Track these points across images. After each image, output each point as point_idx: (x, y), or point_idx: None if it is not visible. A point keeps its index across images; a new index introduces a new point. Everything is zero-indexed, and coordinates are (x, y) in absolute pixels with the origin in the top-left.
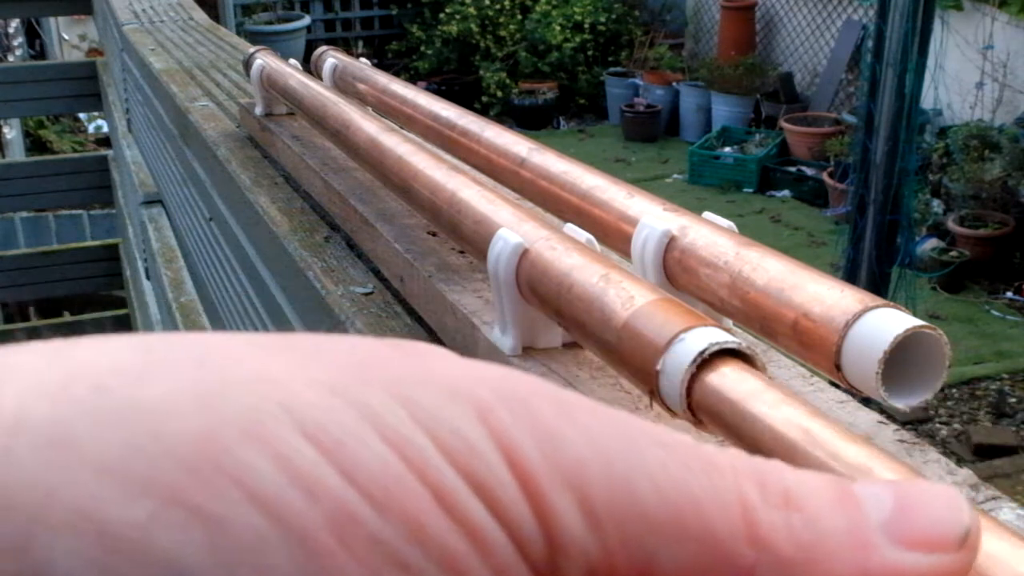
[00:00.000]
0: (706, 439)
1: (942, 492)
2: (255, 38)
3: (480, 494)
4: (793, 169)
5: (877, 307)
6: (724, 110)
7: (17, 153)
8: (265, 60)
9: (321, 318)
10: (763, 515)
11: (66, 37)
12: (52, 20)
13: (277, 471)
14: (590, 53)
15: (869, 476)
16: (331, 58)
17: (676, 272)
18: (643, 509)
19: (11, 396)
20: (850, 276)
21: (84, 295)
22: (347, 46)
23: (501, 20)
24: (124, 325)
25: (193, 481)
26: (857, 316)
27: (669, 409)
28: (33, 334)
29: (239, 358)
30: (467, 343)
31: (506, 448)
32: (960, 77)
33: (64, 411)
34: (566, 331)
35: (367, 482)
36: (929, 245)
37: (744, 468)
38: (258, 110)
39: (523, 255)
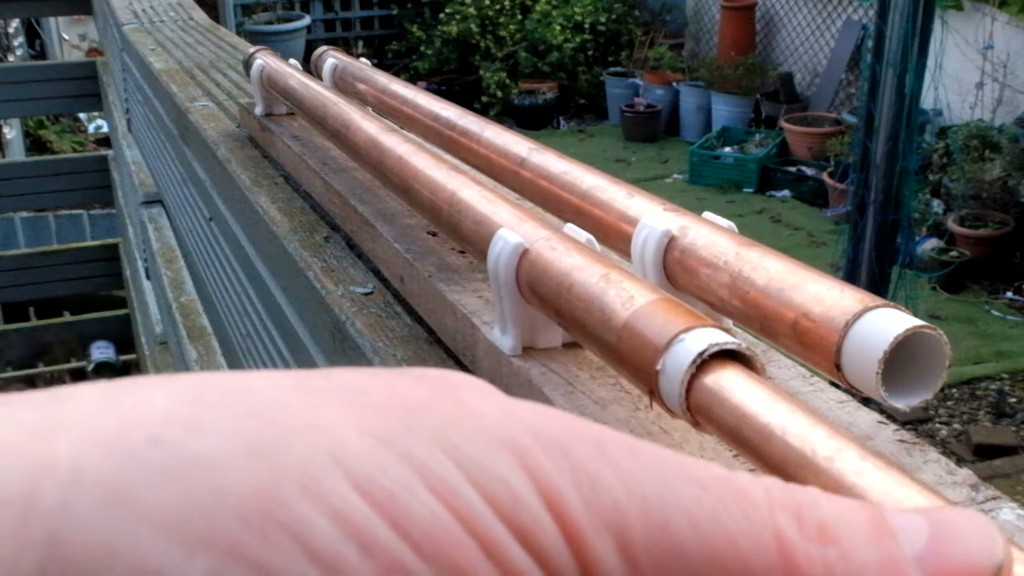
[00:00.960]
0: (707, 440)
1: (976, 523)
2: (255, 38)
3: (523, 541)
4: (793, 169)
5: (877, 307)
6: (724, 110)
7: (17, 153)
8: (265, 60)
9: (321, 318)
10: (799, 549)
11: (66, 37)
12: (52, 20)
13: (332, 525)
14: (590, 53)
15: (866, 477)
16: (331, 58)
17: (676, 272)
18: (680, 548)
19: (66, 447)
20: (850, 276)
21: (84, 295)
22: (347, 46)
23: (501, 20)
24: (124, 325)
25: (251, 536)
26: (857, 316)
27: (669, 409)
28: (32, 335)
29: (288, 405)
30: (467, 343)
31: (546, 493)
32: (960, 77)
33: (121, 464)
34: (566, 331)
35: (417, 534)
36: (929, 245)
37: (779, 500)
38: (258, 110)
39: (523, 255)
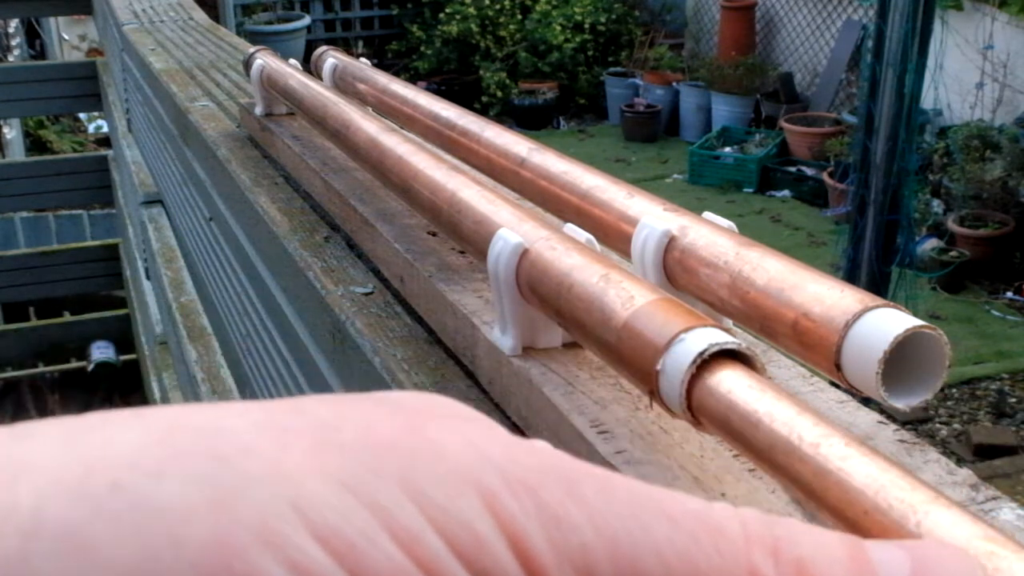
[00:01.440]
0: (707, 440)
1: (958, 557)
2: (255, 38)
3: None
4: (793, 169)
5: (877, 307)
6: (724, 110)
7: (17, 153)
8: (265, 60)
9: (321, 318)
10: None
11: (66, 37)
12: (52, 20)
13: None
14: (590, 53)
15: (866, 476)
16: (331, 58)
17: (676, 272)
18: None
19: (27, 493)
20: (850, 276)
21: (84, 295)
22: (347, 46)
23: (501, 20)
24: (124, 325)
25: None
26: (857, 316)
27: (669, 409)
28: (32, 335)
29: (255, 450)
30: (467, 343)
31: (512, 537)
32: (960, 77)
33: (81, 512)
34: (566, 331)
35: None
36: (929, 245)
37: (756, 534)
38: (258, 110)
39: (523, 255)
